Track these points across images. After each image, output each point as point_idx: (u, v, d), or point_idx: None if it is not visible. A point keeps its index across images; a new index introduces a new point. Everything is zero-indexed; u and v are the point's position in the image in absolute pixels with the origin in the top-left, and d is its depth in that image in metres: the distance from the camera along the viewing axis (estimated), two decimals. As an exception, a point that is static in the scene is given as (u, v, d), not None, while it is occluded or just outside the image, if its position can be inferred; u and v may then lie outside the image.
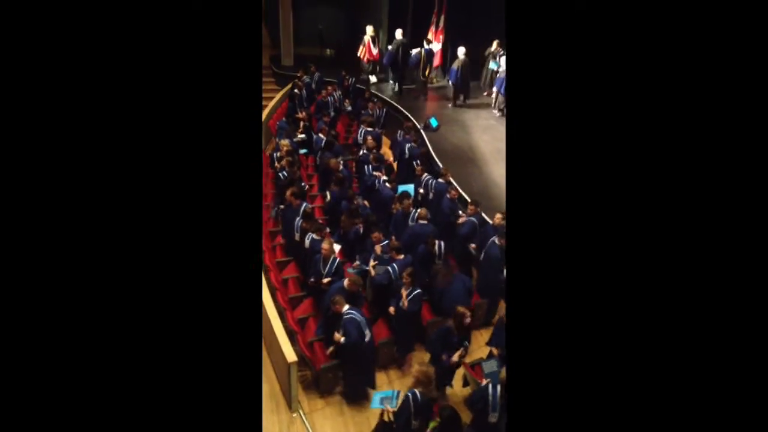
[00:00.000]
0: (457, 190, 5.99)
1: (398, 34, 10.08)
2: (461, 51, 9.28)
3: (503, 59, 9.22)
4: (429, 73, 10.48)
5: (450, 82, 9.73)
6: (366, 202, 6.10)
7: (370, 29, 10.40)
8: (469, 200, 5.96)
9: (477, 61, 9.82)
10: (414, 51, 10.32)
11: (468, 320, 4.17)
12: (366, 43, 10.43)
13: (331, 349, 4.40)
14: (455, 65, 9.39)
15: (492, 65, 9.67)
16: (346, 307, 4.21)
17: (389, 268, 4.93)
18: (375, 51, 10.52)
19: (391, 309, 4.73)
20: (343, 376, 4.52)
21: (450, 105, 9.78)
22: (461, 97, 9.74)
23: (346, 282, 4.46)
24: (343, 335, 4.15)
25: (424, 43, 10.25)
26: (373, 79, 10.63)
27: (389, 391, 3.81)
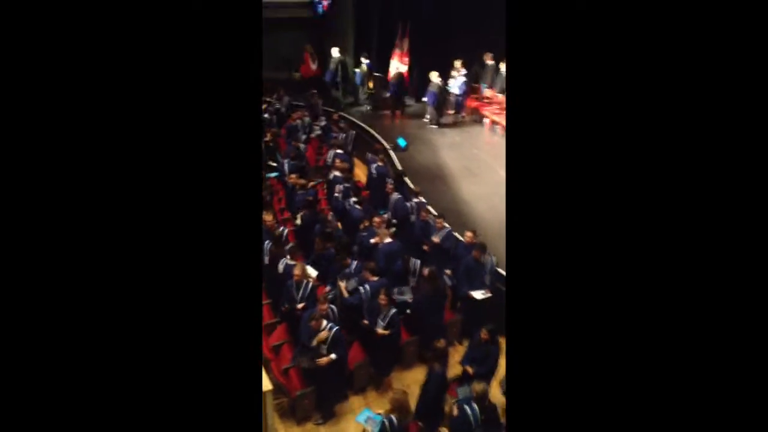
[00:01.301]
0: (428, 211, 6.09)
1: (335, 52, 10.51)
2: (434, 75, 9.59)
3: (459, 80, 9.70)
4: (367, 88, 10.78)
5: (428, 104, 10.00)
6: (339, 224, 6.12)
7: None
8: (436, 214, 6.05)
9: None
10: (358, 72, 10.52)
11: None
12: (305, 58, 10.85)
13: (325, 359, 4.29)
14: (433, 88, 9.68)
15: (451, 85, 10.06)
16: (328, 324, 4.23)
17: (360, 288, 4.94)
18: (314, 66, 10.94)
19: (379, 330, 4.66)
20: (319, 400, 4.47)
21: (430, 125, 10.01)
22: (437, 118, 10.07)
23: (320, 310, 4.45)
24: (334, 352, 4.18)
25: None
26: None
27: (378, 415, 3.77)
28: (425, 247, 5.89)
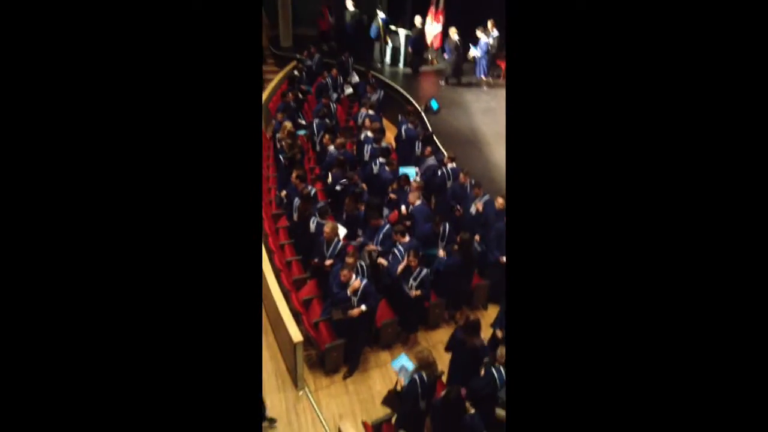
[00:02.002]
0: (467, 175, 6.00)
1: (349, 5, 10.33)
2: (453, 31, 9.39)
3: (483, 42, 9.50)
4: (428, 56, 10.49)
5: (447, 61, 9.81)
6: (364, 186, 6.12)
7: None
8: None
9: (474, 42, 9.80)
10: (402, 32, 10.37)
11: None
12: (324, 13, 10.72)
13: (356, 311, 4.39)
14: (449, 44, 9.45)
15: (473, 50, 9.79)
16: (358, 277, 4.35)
17: (395, 251, 4.96)
18: (332, 20, 10.81)
19: (413, 292, 4.73)
20: (349, 351, 4.61)
21: (442, 83, 9.84)
22: (453, 77, 9.84)
23: (347, 263, 4.52)
24: (365, 304, 4.30)
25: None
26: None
27: (412, 364, 3.84)
28: (457, 212, 5.85)
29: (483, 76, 9.87)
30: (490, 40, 9.57)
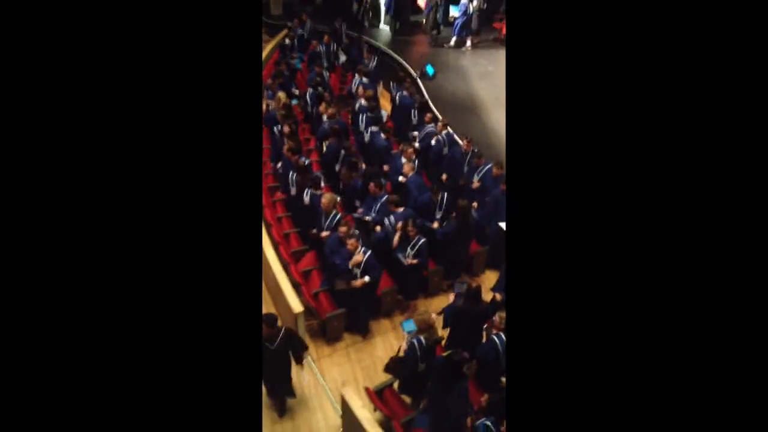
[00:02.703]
0: (470, 142, 5.92)
1: None
2: None
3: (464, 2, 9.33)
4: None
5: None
6: (358, 156, 6.05)
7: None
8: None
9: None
10: None
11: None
12: None
13: (359, 281, 4.43)
14: (430, 2, 9.34)
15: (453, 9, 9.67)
16: (362, 248, 4.38)
17: (385, 220, 4.94)
18: None
19: (409, 260, 4.75)
20: (354, 321, 4.67)
21: (432, 42, 9.73)
22: (434, 35, 9.73)
23: (340, 232, 4.54)
24: (368, 275, 4.34)
25: None
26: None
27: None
28: (462, 182, 5.80)
29: (456, 36, 9.73)
30: (474, 2, 9.30)
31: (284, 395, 3.93)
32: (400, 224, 4.72)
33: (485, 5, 9.45)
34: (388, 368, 3.94)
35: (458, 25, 9.55)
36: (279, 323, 3.70)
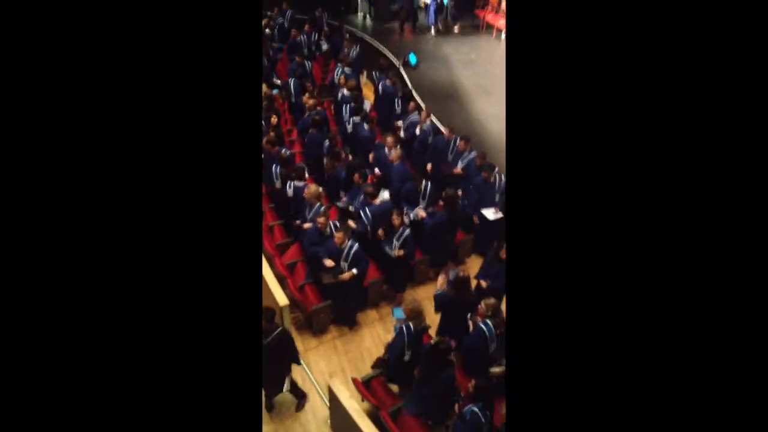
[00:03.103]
0: (452, 131, 5.90)
1: None
2: None
3: None
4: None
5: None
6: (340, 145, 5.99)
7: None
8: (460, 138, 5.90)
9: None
10: None
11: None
12: None
13: (347, 274, 4.40)
14: None
15: None
16: (349, 241, 4.33)
17: (362, 213, 4.91)
18: None
19: (396, 252, 4.72)
20: (339, 308, 4.65)
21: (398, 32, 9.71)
22: (406, 24, 9.73)
23: (318, 222, 4.52)
24: (355, 268, 4.32)
25: None
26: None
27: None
28: (446, 169, 5.79)
29: (432, 24, 9.70)
30: None
31: (272, 392, 3.91)
32: (395, 215, 4.67)
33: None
34: (375, 365, 3.95)
35: (432, 13, 9.56)
36: (277, 320, 3.69)
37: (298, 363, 3.88)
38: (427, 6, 9.61)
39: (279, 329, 3.62)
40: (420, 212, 5.14)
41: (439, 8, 9.54)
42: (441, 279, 4.17)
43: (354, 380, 3.88)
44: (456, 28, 9.63)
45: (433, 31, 9.69)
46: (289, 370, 3.84)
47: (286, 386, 3.87)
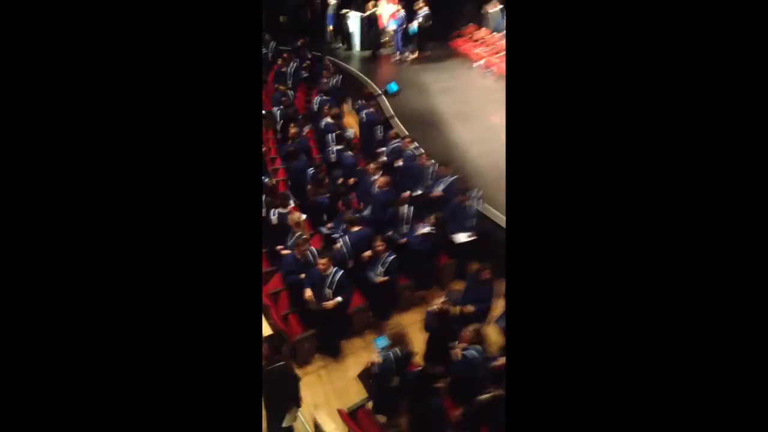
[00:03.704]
0: (428, 157, 6.00)
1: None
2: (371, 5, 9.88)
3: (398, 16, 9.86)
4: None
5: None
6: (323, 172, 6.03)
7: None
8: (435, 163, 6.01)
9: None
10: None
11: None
12: None
13: (332, 302, 4.33)
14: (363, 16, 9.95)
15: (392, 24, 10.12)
16: (333, 268, 4.31)
17: (340, 241, 4.91)
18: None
19: (379, 278, 4.73)
20: (322, 339, 4.60)
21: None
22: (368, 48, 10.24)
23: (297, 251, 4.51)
24: (339, 295, 4.28)
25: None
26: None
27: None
28: (406, 194, 5.86)
29: (398, 51, 10.09)
30: (420, 18, 9.69)
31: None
32: (377, 242, 4.66)
33: (430, 23, 9.74)
34: (361, 376, 3.89)
35: (398, 40, 10.01)
36: (283, 350, 3.61)
37: (298, 405, 3.70)
38: (395, 33, 10.01)
39: (281, 363, 3.52)
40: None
41: (405, 36, 9.92)
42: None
43: (340, 411, 3.81)
44: (417, 54, 10.02)
45: (398, 56, 10.09)
46: (289, 408, 3.68)
47: (286, 423, 3.71)
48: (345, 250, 4.85)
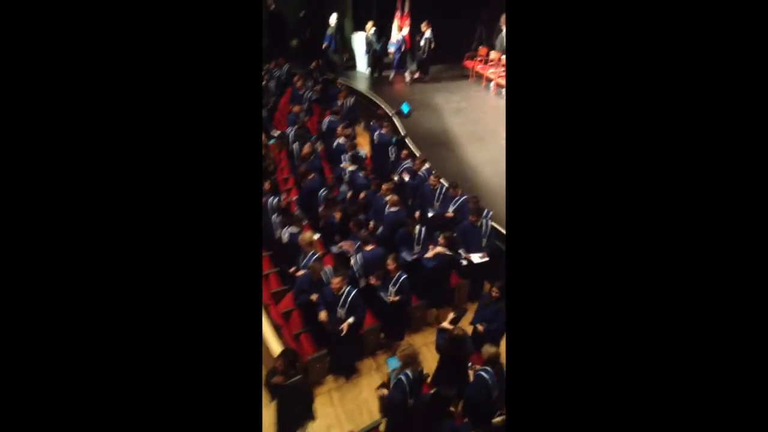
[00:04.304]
0: (438, 177, 6.03)
1: (332, 19, 10.29)
2: (369, 26, 10.05)
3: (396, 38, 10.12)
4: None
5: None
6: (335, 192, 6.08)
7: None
8: (447, 184, 6.02)
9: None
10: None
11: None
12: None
13: (345, 325, 4.30)
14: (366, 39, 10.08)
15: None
16: (346, 288, 4.31)
17: (352, 259, 4.92)
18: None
19: (391, 298, 4.69)
20: (334, 360, 4.56)
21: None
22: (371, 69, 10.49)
23: (310, 271, 4.51)
24: (352, 315, 4.27)
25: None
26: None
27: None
28: (416, 215, 5.87)
29: (394, 69, 10.29)
30: (425, 40, 9.88)
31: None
32: (390, 260, 4.66)
33: (432, 46, 9.91)
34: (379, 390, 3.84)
35: (396, 61, 10.25)
36: (298, 365, 3.62)
37: (312, 419, 3.72)
38: (394, 54, 10.28)
39: (298, 377, 3.52)
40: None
41: (403, 57, 10.17)
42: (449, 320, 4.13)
43: (351, 433, 3.76)
44: (418, 75, 10.22)
45: (392, 76, 10.39)
46: (301, 425, 3.68)
47: None
48: (356, 269, 4.85)
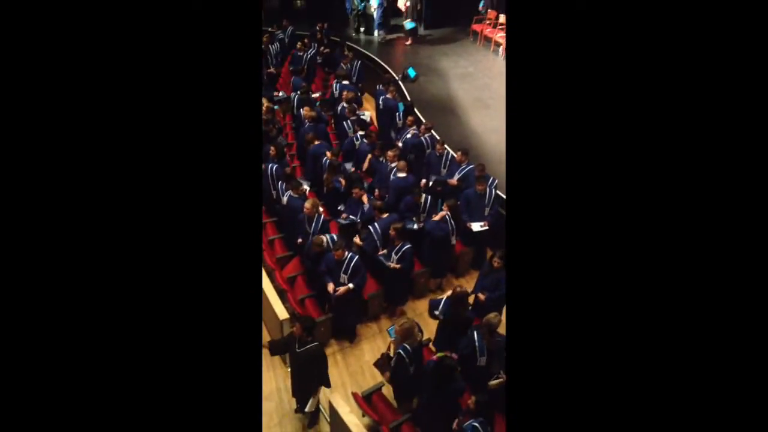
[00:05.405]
0: (443, 144, 5.95)
1: None
2: None
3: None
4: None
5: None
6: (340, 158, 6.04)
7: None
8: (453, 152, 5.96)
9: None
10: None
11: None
12: None
13: (343, 289, 4.40)
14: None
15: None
16: (348, 254, 4.36)
17: (371, 228, 4.94)
18: None
19: (393, 264, 4.73)
20: (339, 321, 4.66)
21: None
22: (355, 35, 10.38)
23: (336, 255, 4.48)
24: (353, 282, 4.35)
25: None
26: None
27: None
28: (422, 182, 5.84)
29: (376, 30, 10.30)
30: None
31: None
32: (393, 228, 4.69)
33: (420, 4, 9.86)
34: (377, 364, 3.94)
35: (377, 19, 10.20)
36: (276, 334, 3.68)
37: (328, 385, 3.81)
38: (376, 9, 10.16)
39: (314, 344, 3.60)
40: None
41: (385, 14, 10.12)
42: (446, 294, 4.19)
43: (354, 395, 3.87)
44: (380, 36, 10.22)
45: (376, 34, 10.32)
46: (315, 391, 3.79)
47: (309, 407, 3.81)
48: (375, 237, 4.86)
